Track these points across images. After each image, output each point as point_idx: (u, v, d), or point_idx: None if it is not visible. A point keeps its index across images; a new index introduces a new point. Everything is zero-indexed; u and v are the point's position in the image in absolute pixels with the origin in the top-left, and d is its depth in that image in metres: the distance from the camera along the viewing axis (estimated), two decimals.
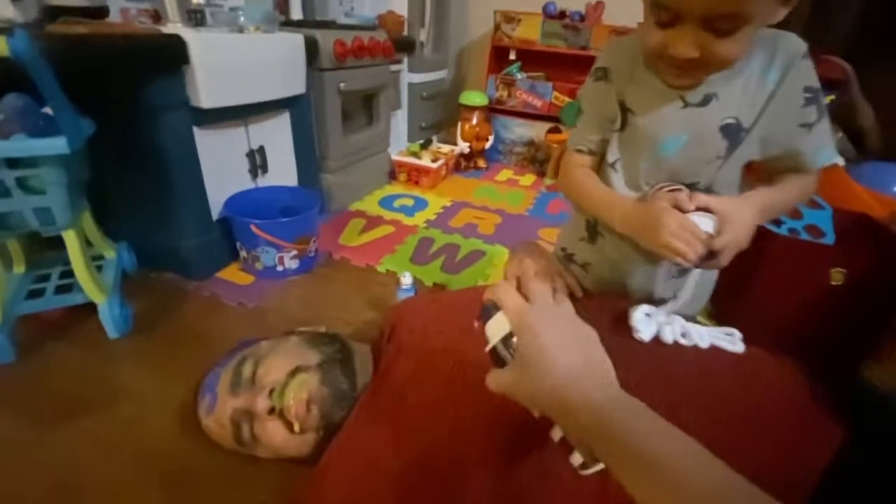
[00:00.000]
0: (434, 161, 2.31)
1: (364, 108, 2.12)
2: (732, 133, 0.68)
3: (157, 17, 1.35)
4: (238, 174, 1.52)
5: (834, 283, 1.11)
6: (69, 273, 1.08)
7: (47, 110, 0.94)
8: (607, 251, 0.84)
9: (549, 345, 0.42)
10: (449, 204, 2.12)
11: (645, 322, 0.69)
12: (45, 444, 0.87)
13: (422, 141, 2.50)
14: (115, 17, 1.32)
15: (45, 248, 1.24)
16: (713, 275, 0.88)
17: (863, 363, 1.08)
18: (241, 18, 1.38)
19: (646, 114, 0.72)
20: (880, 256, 1.08)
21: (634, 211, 0.71)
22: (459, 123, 2.59)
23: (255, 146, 1.54)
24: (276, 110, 1.59)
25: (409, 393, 0.72)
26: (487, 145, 2.63)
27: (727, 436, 0.53)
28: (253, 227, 1.36)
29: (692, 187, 0.72)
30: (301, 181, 1.76)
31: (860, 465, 0.58)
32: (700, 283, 0.77)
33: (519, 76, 2.60)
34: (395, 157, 2.32)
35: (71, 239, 1.02)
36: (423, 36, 2.36)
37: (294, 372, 0.76)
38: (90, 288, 1.07)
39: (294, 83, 1.57)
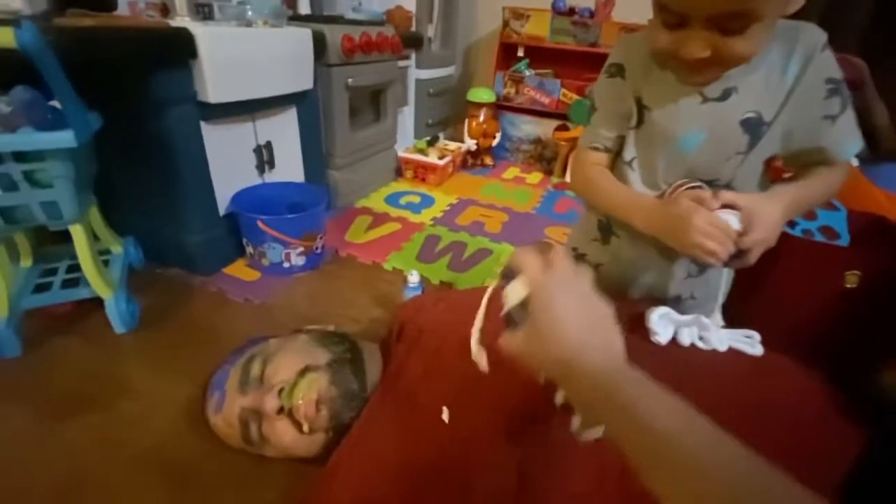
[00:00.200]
0: (441, 158, 2.30)
1: (371, 104, 2.11)
2: (753, 127, 0.67)
3: (165, 10, 1.34)
4: (245, 170, 1.51)
5: (848, 285, 1.09)
6: (76, 267, 1.08)
7: (55, 104, 0.93)
8: (622, 251, 0.83)
9: (563, 314, 0.42)
10: (455, 201, 2.11)
11: (662, 324, 0.67)
12: (51, 440, 0.87)
13: (428, 138, 2.48)
14: (122, 9, 1.31)
15: (52, 242, 1.24)
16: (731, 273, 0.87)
17: (878, 367, 1.06)
18: (249, 12, 1.37)
19: (663, 110, 0.70)
20: None
21: (658, 210, 0.69)
22: (466, 120, 2.58)
23: (262, 141, 1.53)
24: (283, 106, 1.58)
25: (418, 393, 0.71)
26: (494, 143, 2.61)
27: (744, 437, 0.52)
28: (260, 223, 1.35)
29: (711, 185, 0.70)
30: (308, 177, 1.75)
31: (881, 471, 0.57)
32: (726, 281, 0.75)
33: (527, 73, 2.58)
34: (401, 153, 2.31)
35: (78, 233, 1.01)
36: (430, 32, 2.35)
37: (303, 371, 0.76)
38: (97, 282, 1.07)
39: (302, 78, 1.56)
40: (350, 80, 1.76)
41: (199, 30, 1.17)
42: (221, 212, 1.43)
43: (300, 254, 1.43)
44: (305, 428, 0.73)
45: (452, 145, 2.53)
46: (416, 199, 2.10)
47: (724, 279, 0.71)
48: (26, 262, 1.18)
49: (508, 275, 0.47)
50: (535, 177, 2.54)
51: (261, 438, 0.76)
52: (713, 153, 0.69)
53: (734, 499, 0.30)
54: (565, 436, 0.60)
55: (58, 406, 0.94)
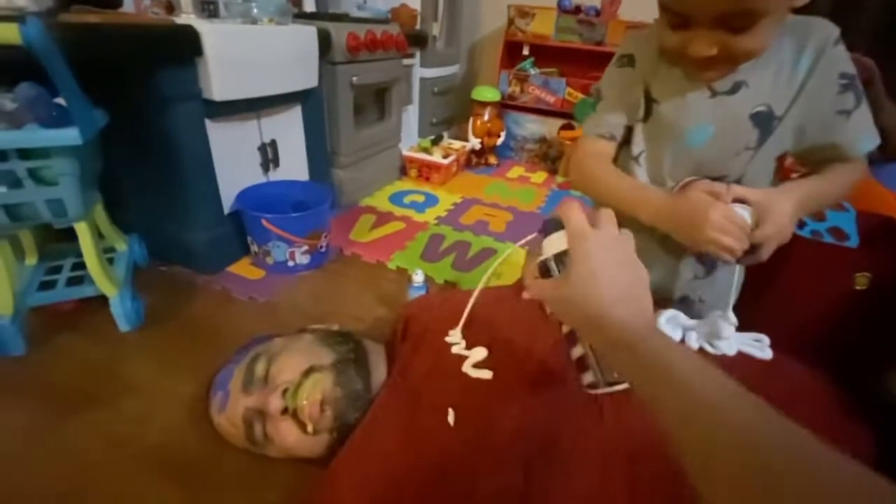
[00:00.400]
0: (445, 157, 2.29)
1: (375, 102, 2.10)
2: (764, 122, 0.66)
3: (170, 7, 1.34)
4: (250, 168, 1.51)
5: (858, 287, 1.07)
6: (81, 265, 1.07)
7: (60, 101, 0.93)
8: None
9: (601, 271, 0.42)
10: (459, 200, 2.10)
11: (670, 328, 0.67)
12: (55, 437, 0.87)
13: (433, 136, 2.48)
14: (128, 6, 1.31)
15: (56, 240, 1.24)
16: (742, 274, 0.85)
17: (886, 369, 1.05)
18: (255, 10, 1.36)
19: (671, 103, 0.69)
20: None
21: (669, 203, 0.67)
22: (471, 119, 2.57)
23: (266, 140, 1.53)
24: (288, 104, 1.57)
25: (423, 394, 0.71)
26: (499, 141, 2.60)
27: None
28: (264, 222, 1.35)
29: (720, 181, 0.69)
30: (312, 176, 1.75)
31: (890, 474, 0.56)
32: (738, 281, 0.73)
33: (532, 72, 2.57)
34: (405, 152, 2.30)
35: (83, 231, 1.01)
36: (435, 30, 2.34)
37: (308, 372, 0.75)
38: (102, 280, 1.06)
39: (307, 76, 1.55)
40: (355, 78, 1.76)
41: (204, 27, 1.17)
42: (226, 210, 1.43)
43: (304, 252, 1.43)
44: (310, 428, 0.72)
45: (457, 144, 2.52)
46: (421, 198, 2.10)
47: (735, 280, 0.70)
48: (31, 260, 1.18)
49: (549, 226, 0.48)
50: (540, 176, 2.53)
51: (264, 439, 0.75)
52: (722, 148, 0.68)
53: (752, 444, 0.30)
54: (571, 434, 0.60)
55: (62, 403, 0.94)
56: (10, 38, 0.75)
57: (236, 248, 1.48)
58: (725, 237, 0.59)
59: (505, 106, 2.64)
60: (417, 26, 2.22)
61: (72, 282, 1.13)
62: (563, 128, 2.49)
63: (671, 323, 0.69)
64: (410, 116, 2.42)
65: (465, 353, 0.73)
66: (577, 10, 2.41)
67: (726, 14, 0.54)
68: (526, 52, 2.60)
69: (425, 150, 2.34)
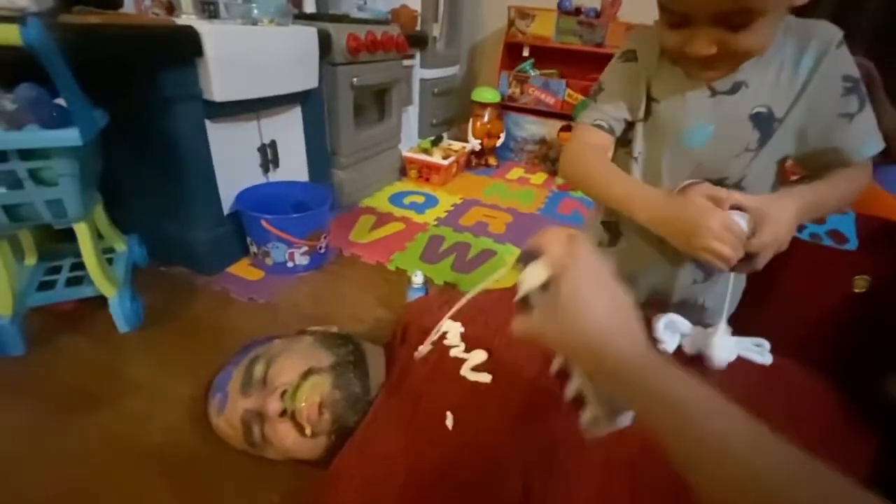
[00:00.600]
0: (445, 158, 2.29)
1: (375, 103, 2.11)
2: (764, 123, 0.65)
3: (171, 8, 1.34)
4: (249, 168, 1.51)
5: (857, 290, 1.08)
6: (80, 265, 1.07)
7: (60, 101, 0.93)
8: (628, 253, 0.82)
9: (588, 297, 0.41)
10: (459, 202, 2.10)
11: (668, 333, 0.67)
12: (55, 437, 0.87)
13: (433, 137, 2.48)
14: (128, 7, 1.31)
15: (56, 240, 1.24)
16: (742, 279, 0.85)
17: (886, 372, 1.05)
18: (255, 11, 1.36)
19: (670, 102, 0.68)
20: None
21: (666, 206, 0.65)
22: (471, 120, 2.57)
23: (266, 140, 1.53)
24: (288, 104, 1.58)
25: (422, 397, 0.70)
26: (499, 143, 2.60)
27: None
28: (264, 223, 1.35)
29: (720, 184, 0.68)
30: (312, 176, 1.75)
31: (892, 478, 0.56)
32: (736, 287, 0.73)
33: (532, 73, 2.57)
34: (405, 153, 2.30)
35: (83, 231, 1.01)
36: (435, 31, 2.34)
37: (306, 374, 0.75)
38: (101, 281, 1.06)
39: (307, 77, 1.55)
40: (355, 79, 1.76)
41: (204, 28, 1.17)
42: (226, 211, 1.43)
43: (304, 253, 1.43)
44: (308, 431, 0.72)
45: (456, 145, 2.52)
46: (420, 199, 2.10)
47: (729, 289, 0.69)
48: (30, 260, 1.18)
49: (527, 257, 0.46)
50: (540, 177, 2.53)
51: (263, 440, 0.75)
52: (721, 148, 0.68)
53: (758, 475, 0.30)
54: (570, 438, 0.60)
55: (61, 403, 0.94)
56: (11, 39, 0.75)
57: (236, 249, 1.48)
58: (721, 246, 0.58)
59: (505, 107, 2.64)
60: (418, 27, 2.22)
61: (71, 282, 1.13)
62: (563, 129, 2.50)
63: (669, 329, 0.68)
64: (410, 117, 2.42)
65: (465, 356, 0.73)
66: (578, 11, 2.41)
67: (725, 12, 0.54)
68: (526, 53, 2.60)
69: (425, 151, 2.34)
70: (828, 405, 0.65)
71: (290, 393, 0.73)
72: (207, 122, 1.29)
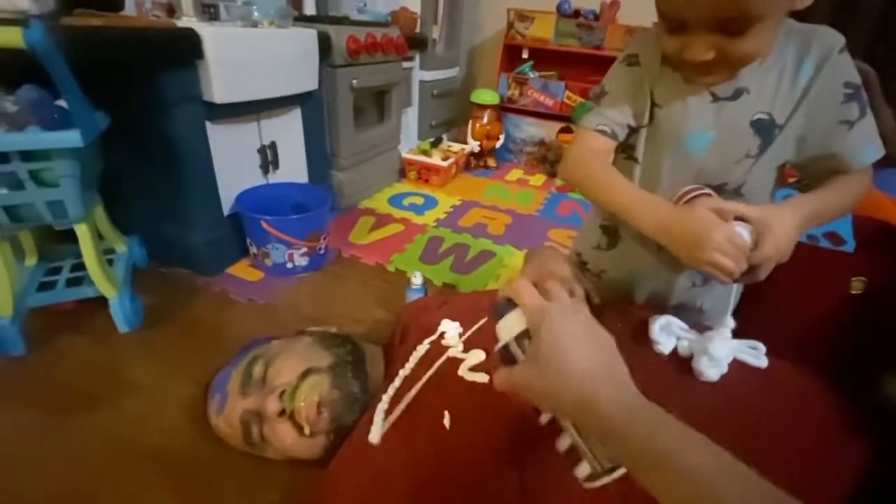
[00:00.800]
0: (444, 159, 2.30)
1: (375, 105, 2.11)
2: (765, 129, 0.65)
3: (171, 10, 1.34)
4: (249, 170, 1.52)
5: (854, 291, 1.08)
6: (81, 266, 1.08)
7: (61, 103, 0.93)
8: (626, 256, 0.82)
9: (570, 345, 0.40)
10: (458, 203, 2.11)
11: (664, 335, 0.67)
12: (55, 437, 0.87)
13: (432, 139, 2.48)
14: (129, 10, 1.32)
15: (56, 241, 1.24)
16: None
17: (883, 374, 1.05)
18: (255, 13, 1.37)
19: (672, 107, 0.68)
20: None
21: (670, 216, 0.64)
22: (470, 122, 2.58)
23: (266, 142, 1.53)
24: (288, 106, 1.58)
25: (420, 397, 0.71)
26: (498, 144, 2.61)
27: (748, 449, 0.52)
28: (263, 224, 1.35)
29: (720, 190, 0.69)
30: (312, 178, 1.76)
31: (889, 480, 0.56)
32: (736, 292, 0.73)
33: (531, 75, 2.58)
34: (405, 154, 2.31)
35: (83, 232, 1.02)
36: (435, 33, 2.35)
37: (305, 374, 0.75)
38: (101, 281, 1.07)
39: (307, 79, 1.56)
40: (355, 81, 1.76)
41: (205, 30, 1.17)
42: (226, 212, 1.44)
43: (304, 254, 1.43)
44: (306, 430, 0.73)
45: (456, 147, 2.53)
46: (420, 201, 2.10)
47: (734, 291, 0.69)
48: (31, 261, 1.18)
49: (501, 308, 0.45)
50: (539, 179, 2.54)
51: (262, 440, 0.76)
52: (722, 154, 0.68)
53: None
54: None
55: (61, 404, 0.94)
56: (13, 42, 0.75)
57: (235, 250, 1.48)
58: (724, 259, 0.57)
59: (504, 109, 2.65)
60: (417, 29, 2.23)
61: (71, 283, 1.14)
62: (562, 131, 2.51)
63: (664, 331, 0.69)
64: (410, 119, 2.43)
65: (463, 356, 0.73)
66: (577, 13, 2.42)
67: (721, 18, 0.54)
68: (525, 55, 2.60)
69: (424, 153, 2.34)
70: (824, 407, 0.65)
71: (289, 393, 0.74)
72: (208, 124, 1.29)
